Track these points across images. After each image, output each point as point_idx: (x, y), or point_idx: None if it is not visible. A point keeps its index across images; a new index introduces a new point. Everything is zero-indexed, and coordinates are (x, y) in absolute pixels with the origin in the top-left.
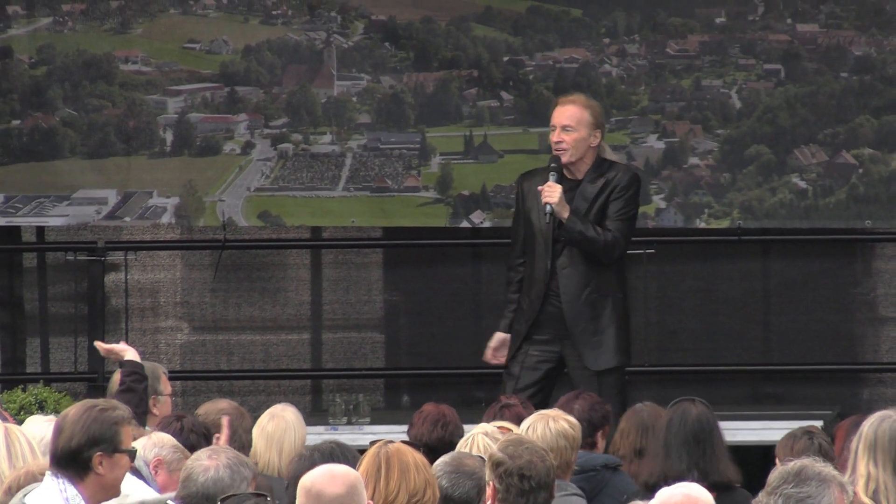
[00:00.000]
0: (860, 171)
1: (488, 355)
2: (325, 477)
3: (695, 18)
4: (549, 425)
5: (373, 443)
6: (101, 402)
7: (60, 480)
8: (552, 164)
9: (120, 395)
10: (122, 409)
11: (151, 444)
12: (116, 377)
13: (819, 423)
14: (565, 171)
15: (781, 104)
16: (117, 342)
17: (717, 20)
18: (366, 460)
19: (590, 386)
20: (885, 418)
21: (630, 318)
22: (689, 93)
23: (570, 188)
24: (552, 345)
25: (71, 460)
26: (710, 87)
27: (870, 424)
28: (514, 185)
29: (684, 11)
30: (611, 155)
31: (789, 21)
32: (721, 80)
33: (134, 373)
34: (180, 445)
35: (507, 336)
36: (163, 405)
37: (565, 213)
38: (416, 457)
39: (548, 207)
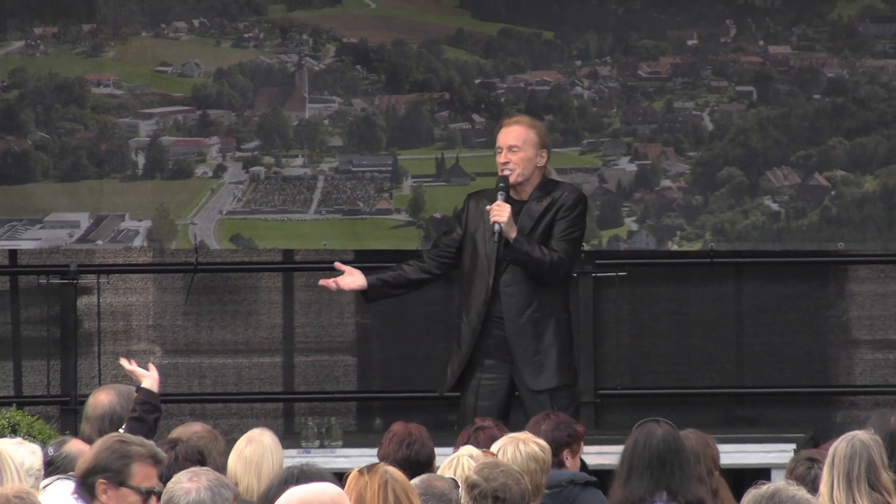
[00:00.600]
0: (833, 193)
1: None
2: (314, 492)
3: (667, 40)
4: (518, 448)
5: (368, 468)
6: (127, 436)
7: (76, 498)
8: (500, 185)
9: (130, 422)
10: (141, 446)
11: None
12: (92, 400)
13: (792, 447)
14: (511, 192)
15: (754, 126)
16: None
17: (689, 42)
18: (371, 489)
19: (539, 406)
20: (845, 438)
21: (574, 337)
22: (661, 115)
23: (516, 209)
24: (502, 370)
25: (81, 482)
26: (682, 110)
27: (834, 445)
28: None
29: (656, 34)
30: (555, 177)
31: (761, 43)
32: (693, 102)
33: (146, 402)
34: None
35: (363, 282)
36: None
37: (513, 234)
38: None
39: (496, 227)
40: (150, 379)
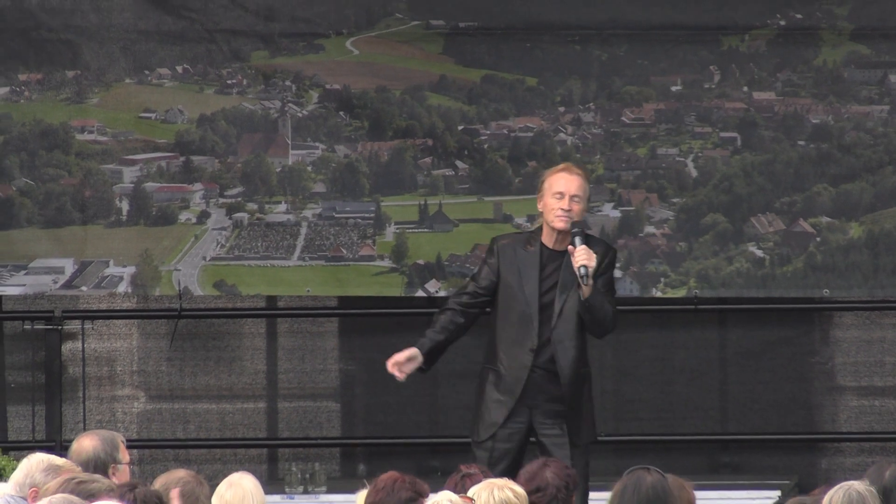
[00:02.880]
0: (818, 239)
1: (390, 364)
2: None
3: (650, 86)
4: (493, 493)
5: None
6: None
7: None
8: (575, 230)
9: None
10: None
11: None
12: (76, 445)
13: (777, 494)
14: (547, 241)
15: (738, 172)
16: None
17: (673, 88)
18: None
19: (563, 455)
20: (842, 488)
21: None
22: (644, 161)
23: (557, 261)
24: (521, 414)
25: None
26: (666, 156)
27: (829, 495)
28: (471, 252)
29: (640, 80)
30: None
31: (746, 89)
32: (677, 148)
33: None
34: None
35: (420, 358)
36: (121, 473)
37: (591, 281)
38: None
39: (582, 269)
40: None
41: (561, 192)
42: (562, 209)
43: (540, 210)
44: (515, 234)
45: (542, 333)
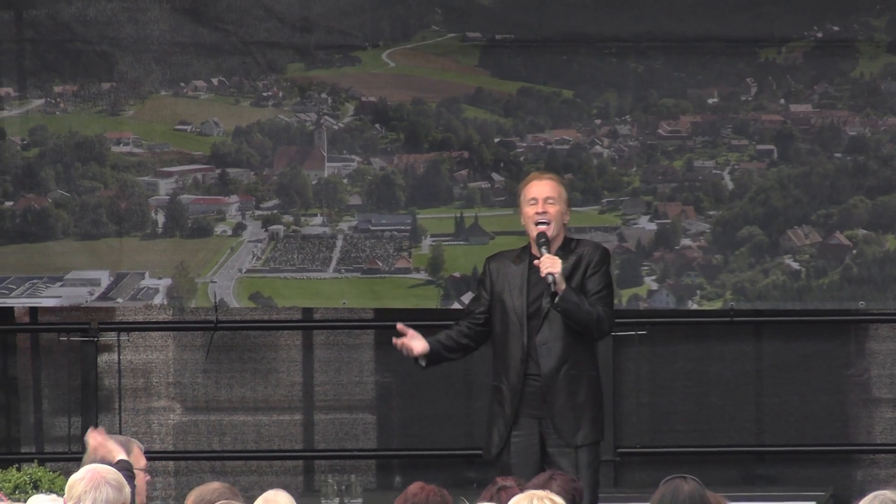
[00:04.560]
0: (854, 252)
1: (397, 339)
2: None
3: (687, 99)
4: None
5: None
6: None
7: None
8: (541, 240)
9: None
10: None
11: None
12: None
13: None
14: (536, 253)
15: (774, 185)
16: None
17: (710, 101)
18: None
19: (568, 462)
20: (876, 497)
21: (603, 394)
22: (681, 174)
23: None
24: (529, 425)
25: None
26: (703, 168)
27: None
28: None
29: (676, 92)
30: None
31: (782, 101)
32: (713, 160)
33: (127, 470)
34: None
35: (426, 346)
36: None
37: (563, 285)
38: None
39: (549, 278)
40: (122, 451)
41: (534, 197)
42: (537, 213)
43: (523, 224)
44: (507, 251)
45: (530, 341)
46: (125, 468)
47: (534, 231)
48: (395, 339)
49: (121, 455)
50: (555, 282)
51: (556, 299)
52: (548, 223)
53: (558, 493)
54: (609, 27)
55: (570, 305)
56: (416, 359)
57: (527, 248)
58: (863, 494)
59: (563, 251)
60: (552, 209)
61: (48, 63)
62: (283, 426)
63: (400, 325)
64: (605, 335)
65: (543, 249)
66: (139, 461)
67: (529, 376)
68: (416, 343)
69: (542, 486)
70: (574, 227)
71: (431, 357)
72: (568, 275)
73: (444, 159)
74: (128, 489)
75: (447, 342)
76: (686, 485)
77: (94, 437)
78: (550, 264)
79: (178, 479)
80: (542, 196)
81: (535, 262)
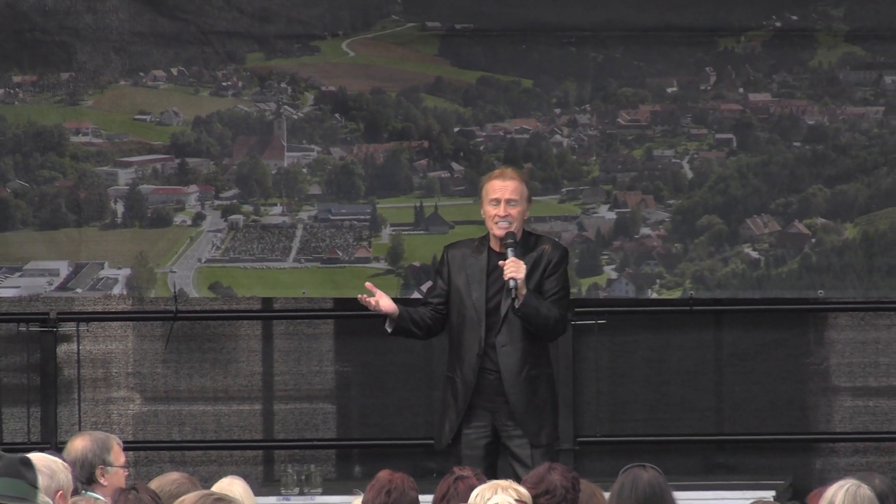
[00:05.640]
0: (813, 240)
1: (365, 297)
2: None
3: (646, 88)
4: (488, 493)
5: None
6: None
7: None
8: (508, 241)
9: None
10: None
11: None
12: (68, 446)
13: (771, 493)
14: (494, 246)
15: (733, 174)
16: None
17: (669, 90)
18: None
19: (525, 453)
20: (842, 487)
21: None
22: (640, 163)
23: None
24: (483, 418)
25: None
26: (662, 157)
27: (832, 492)
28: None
29: (636, 81)
30: (532, 228)
31: (741, 90)
32: (673, 150)
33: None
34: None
35: (395, 308)
36: (112, 476)
37: (524, 290)
38: None
39: (511, 283)
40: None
41: (496, 198)
42: (499, 216)
43: (483, 216)
44: (466, 240)
45: (488, 338)
46: None
47: (495, 230)
48: (362, 297)
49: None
50: (517, 287)
51: (518, 305)
52: (510, 224)
53: (560, 482)
54: (568, 16)
55: (530, 311)
56: (384, 321)
57: (485, 238)
58: (822, 482)
59: (523, 247)
60: (514, 211)
61: (6, 53)
62: (243, 416)
63: (368, 284)
64: (558, 336)
65: (510, 251)
66: (119, 458)
67: (485, 370)
68: (385, 301)
69: (543, 477)
70: (534, 216)
71: (399, 323)
72: (527, 273)
73: (404, 149)
74: (62, 475)
75: (414, 315)
76: (645, 473)
77: None
78: (515, 269)
79: (138, 470)
80: (504, 197)
81: (501, 262)
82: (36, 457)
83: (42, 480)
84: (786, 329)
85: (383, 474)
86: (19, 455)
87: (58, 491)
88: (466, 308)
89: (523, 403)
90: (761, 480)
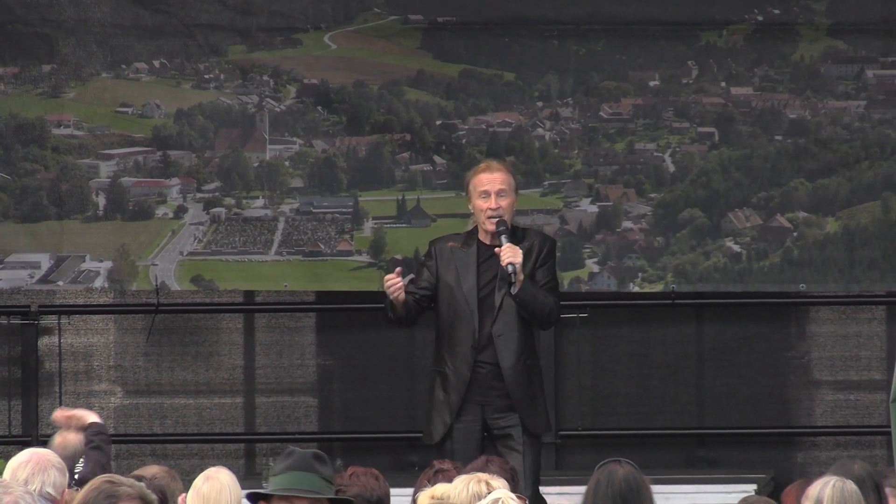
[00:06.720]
0: (795, 234)
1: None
2: None
3: (628, 82)
4: (469, 486)
5: None
6: (116, 477)
7: None
8: (500, 229)
9: (90, 452)
10: (131, 487)
11: None
12: (60, 439)
13: (753, 487)
14: (484, 238)
15: (715, 167)
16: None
17: (651, 83)
18: None
19: (515, 447)
20: (827, 483)
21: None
22: (622, 156)
23: (489, 256)
24: (473, 412)
25: None
26: (644, 151)
27: (818, 489)
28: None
29: (618, 75)
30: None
31: (723, 84)
32: (655, 143)
33: (101, 433)
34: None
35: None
36: None
37: (521, 275)
38: None
39: (510, 268)
40: (92, 415)
41: (486, 190)
42: (490, 209)
43: (471, 211)
44: (453, 235)
45: (482, 329)
46: (100, 431)
47: (487, 224)
48: (391, 277)
49: (92, 417)
50: (515, 272)
51: (516, 290)
52: (501, 217)
53: (499, 475)
54: (551, 10)
55: (528, 297)
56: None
57: (473, 232)
58: (804, 476)
59: (512, 240)
60: (504, 202)
61: None
62: (225, 409)
63: (399, 270)
64: (552, 325)
65: (503, 238)
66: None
67: (479, 363)
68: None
69: (481, 470)
70: (516, 209)
71: (402, 309)
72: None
73: (386, 142)
74: (65, 474)
75: (408, 299)
76: (621, 468)
77: (60, 412)
78: (512, 254)
79: (119, 463)
80: (493, 189)
81: (497, 249)
82: (42, 453)
83: (58, 478)
84: (767, 323)
85: (349, 470)
86: (312, 450)
87: (62, 489)
88: (458, 301)
89: (521, 392)
90: (742, 474)
